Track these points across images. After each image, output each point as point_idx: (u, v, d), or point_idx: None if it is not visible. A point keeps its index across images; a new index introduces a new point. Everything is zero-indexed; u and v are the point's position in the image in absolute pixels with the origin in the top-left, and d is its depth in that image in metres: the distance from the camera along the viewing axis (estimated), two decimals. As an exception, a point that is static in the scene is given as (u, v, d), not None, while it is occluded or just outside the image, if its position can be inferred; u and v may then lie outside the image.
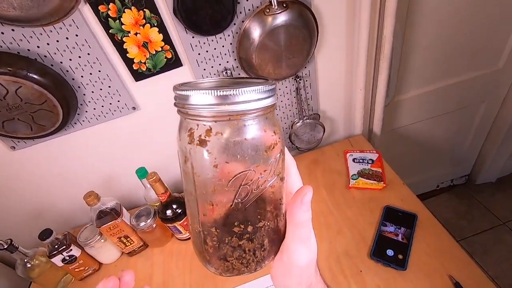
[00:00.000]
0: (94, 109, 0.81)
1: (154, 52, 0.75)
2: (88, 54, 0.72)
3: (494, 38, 1.09)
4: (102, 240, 0.77)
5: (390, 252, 0.67)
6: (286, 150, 0.25)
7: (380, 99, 0.98)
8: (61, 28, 0.67)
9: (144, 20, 0.70)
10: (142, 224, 0.75)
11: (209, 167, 0.21)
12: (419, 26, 0.97)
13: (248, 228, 0.23)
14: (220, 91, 0.19)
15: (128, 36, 0.71)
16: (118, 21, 0.69)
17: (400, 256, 0.66)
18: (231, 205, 0.22)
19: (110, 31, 0.70)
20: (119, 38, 0.71)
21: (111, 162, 0.93)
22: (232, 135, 0.20)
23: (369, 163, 0.89)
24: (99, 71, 0.75)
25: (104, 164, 0.93)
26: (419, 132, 1.35)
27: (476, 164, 1.63)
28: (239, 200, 0.22)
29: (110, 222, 0.72)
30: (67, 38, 0.68)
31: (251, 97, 0.19)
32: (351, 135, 1.12)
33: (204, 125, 0.20)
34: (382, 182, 0.82)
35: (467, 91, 1.24)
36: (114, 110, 0.82)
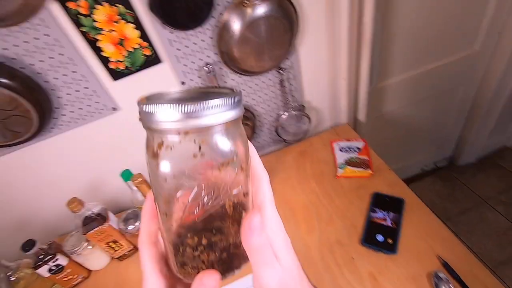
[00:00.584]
0: (72, 112, 0.77)
1: (132, 50, 0.72)
2: (61, 54, 0.68)
3: (469, 22, 1.11)
4: (90, 247, 0.75)
5: (380, 238, 0.69)
6: (258, 162, 0.25)
7: (363, 87, 0.99)
8: (28, 28, 0.63)
9: (118, 17, 0.67)
10: (130, 227, 0.73)
11: (160, 179, 0.21)
12: (398, 12, 0.98)
13: (203, 241, 0.22)
14: (172, 106, 0.18)
15: (102, 33, 0.68)
16: (90, 18, 0.65)
17: (390, 241, 0.68)
18: (182, 218, 0.22)
19: (82, 29, 0.67)
20: (92, 36, 0.68)
21: (94, 166, 0.90)
22: (183, 150, 0.20)
23: (355, 152, 0.90)
24: (74, 71, 0.71)
25: (87, 168, 0.90)
26: (402, 117, 1.38)
27: (458, 145, 1.68)
28: (190, 213, 0.21)
29: (97, 228, 0.69)
30: (36, 39, 0.65)
31: (201, 113, 0.19)
32: (337, 124, 1.12)
33: (158, 138, 0.20)
34: (369, 170, 0.83)
35: (446, 75, 1.27)
36: (94, 112, 0.79)
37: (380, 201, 0.75)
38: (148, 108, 0.19)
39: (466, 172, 1.72)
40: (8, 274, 0.68)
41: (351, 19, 0.83)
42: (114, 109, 0.81)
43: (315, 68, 0.94)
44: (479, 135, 1.56)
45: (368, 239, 0.69)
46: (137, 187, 0.66)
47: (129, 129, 0.87)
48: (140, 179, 0.66)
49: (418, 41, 1.10)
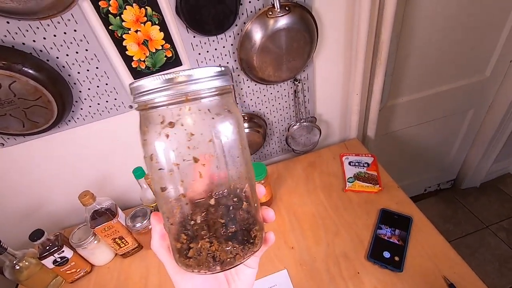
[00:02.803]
0: (90, 106, 0.79)
1: (154, 51, 0.74)
2: (86, 50, 0.70)
3: (481, 48, 1.13)
4: (96, 242, 0.75)
5: (386, 254, 0.69)
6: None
7: (375, 104, 1.00)
8: (59, 23, 0.65)
9: (145, 18, 0.69)
10: (138, 225, 0.73)
11: (169, 162, 0.23)
12: (413, 33, 1.00)
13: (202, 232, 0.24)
14: (169, 75, 0.22)
15: (128, 33, 0.70)
16: (118, 17, 0.67)
17: (397, 258, 0.68)
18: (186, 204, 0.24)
19: (110, 28, 0.68)
20: (119, 35, 0.70)
21: (106, 161, 0.91)
22: (178, 129, 0.23)
23: (364, 167, 0.91)
24: (97, 67, 0.73)
25: (99, 163, 0.91)
26: (409, 137, 1.39)
27: (462, 169, 1.69)
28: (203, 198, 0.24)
29: (105, 223, 0.70)
30: (64, 33, 0.66)
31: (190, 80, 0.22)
32: (346, 138, 1.13)
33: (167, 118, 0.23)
34: (378, 185, 0.84)
35: (456, 98, 1.28)
36: (111, 108, 0.81)
37: (387, 218, 0.76)
38: (151, 82, 0.22)
39: (469, 196, 1.72)
40: (14, 262, 0.69)
41: (369, 36, 0.85)
42: (131, 107, 0.82)
43: (329, 82, 0.95)
44: (484, 160, 1.57)
45: (375, 254, 0.69)
46: (149, 185, 0.67)
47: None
48: (153, 178, 0.66)
49: (430, 63, 1.12)
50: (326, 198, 0.84)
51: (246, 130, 0.90)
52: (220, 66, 0.25)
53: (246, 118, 0.91)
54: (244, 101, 0.91)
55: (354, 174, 0.88)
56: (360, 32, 0.82)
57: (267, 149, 1.06)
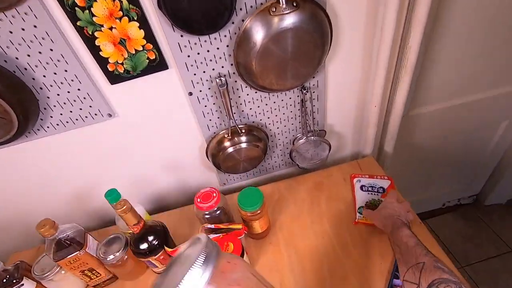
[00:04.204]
0: (61, 114, 0.68)
1: (134, 52, 0.62)
2: (51, 50, 0.58)
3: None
4: (63, 272, 0.65)
5: (403, 311, 0.56)
6: None
7: (395, 117, 0.86)
8: (14, 17, 0.53)
9: (121, 12, 0.57)
10: (110, 257, 0.63)
11: None
12: (445, 36, 0.85)
13: None
14: None
15: (101, 30, 0.58)
16: (87, 11, 0.55)
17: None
18: None
19: (78, 24, 0.57)
20: (90, 32, 0.58)
21: (84, 173, 0.81)
22: None
23: (379, 193, 0.77)
24: (66, 70, 0.62)
25: (76, 175, 0.81)
26: (431, 149, 1.24)
27: (487, 184, 1.52)
28: None
29: (71, 255, 0.60)
30: (23, 29, 0.55)
31: None
32: (360, 152, 1.00)
33: None
34: (395, 218, 0.70)
35: (489, 109, 1.12)
36: (86, 116, 0.70)
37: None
38: None
39: (493, 213, 1.56)
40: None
41: (395, 39, 0.70)
42: (110, 115, 0.71)
43: (343, 90, 0.81)
44: (514, 175, 1.40)
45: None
46: (120, 216, 0.56)
47: (126, 138, 0.77)
48: (124, 207, 0.55)
49: (463, 70, 0.96)
50: (333, 231, 0.72)
51: (244, 145, 0.78)
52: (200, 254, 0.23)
53: (243, 130, 0.78)
54: (243, 111, 0.78)
55: (366, 202, 0.75)
56: (384, 34, 0.68)
57: (269, 163, 0.94)
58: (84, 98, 0.66)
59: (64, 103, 0.66)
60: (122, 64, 0.63)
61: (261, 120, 0.82)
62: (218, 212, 0.67)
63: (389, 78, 0.79)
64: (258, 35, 0.61)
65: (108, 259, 0.62)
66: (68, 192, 0.83)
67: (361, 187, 0.79)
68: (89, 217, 0.89)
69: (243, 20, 0.61)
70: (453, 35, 0.85)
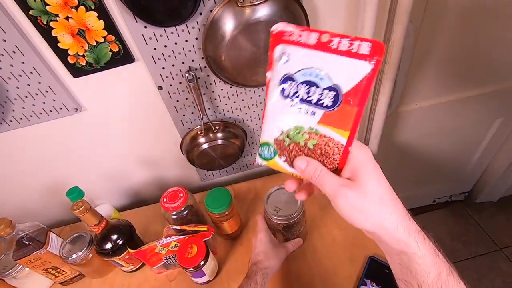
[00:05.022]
0: (23, 108, 0.65)
1: (95, 43, 0.58)
2: (4, 40, 0.55)
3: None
4: (27, 269, 0.64)
5: (368, 320, 0.55)
6: None
7: (379, 116, 0.82)
8: (-41, 5, 0.50)
9: (76, 1, 0.53)
10: (73, 256, 0.61)
11: None
12: (438, 27, 0.80)
13: None
14: None
15: (56, 20, 0.54)
16: (39, 0, 0.51)
17: (381, 327, 0.54)
18: None
19: (30, 13, 0.53)
20: (44, 22, 0.54)
21: (52, 168, 0.79)
22: None
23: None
24: (23, 62, 0.58)
25: (43, 171, 0.79)
26: (421, 147, 1.20)
27: (479, 181, 1.50)
28: None
29: (30, 255, 0.58)
30: (-31, 19, 0.51)
31: None
32: (343, 150, 0.97)
33: None
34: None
35: (484, 106, 1.08)
36: (50, 110, 0.67)
37: (375, 270, 0.61)
38: None
39: (483, 211, 1.54)
40: None
41: (377, 33, 0.66)
42: (76, 109, 0.68)
43: (324, 86, 0.77)
44: (508, 173, 1.37)
45: (354, 319, 0.55)
46: (78, 217, 0.54)
47: (95, 132, 0.74)
48: (82, 208, 0.53)
49: (457, 64, 0.91)
50: (308, 235, 0.70)
51: (219, 142, 0.75)
52: None
53: (217, 127, 0.75)
54: (218, 106, 0.75)
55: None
56: (364, 27, 0.63)
57: (249, 159, 0.91)
58: (46, 91, 0.63)
59: (26, 96, 0.63)
60: (83, 56, 0.60)
61: (238, 116, 0.79)
62: (185, 212, 0.64)
63: (372, 74, 0.75)
64: (227, 27, 0.57)
65: (70, 258, 0.61)
66: (38, 187, 0.81)
67: (283, 91, 0.33)
68: (62, 212, 0.88)
69: (211, 11, 0.57)
70: (444, 30, 0.80)
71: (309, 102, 0.31)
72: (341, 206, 0.30)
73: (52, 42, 0.57)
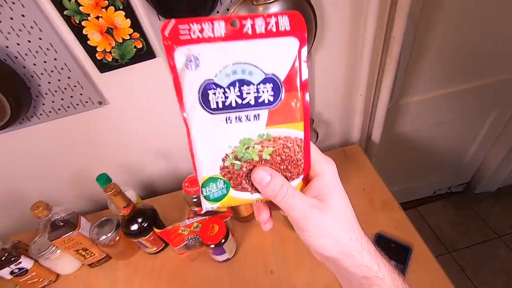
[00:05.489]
0: (53, 102, 0.70)
1: (121, 40, 0.64)
2: (40, 38, 0.60)
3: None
4: (59, 251, 0.69)
5: (377, 289, 0.60)
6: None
7: (382, 106, 0.87)
8: (1, 6, 0.55)
9: (106, 1, 0.58)
10: (103, 237, 0.66)
11: None
12: (434, 25, 0.85)
13: None
14: None
15: (88, 20, 0.59)
16: (74, 1, 0.57)
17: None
18: None
19: (65, 13, 0.58)
20: (77, 21, 0.59)
21: (76, 160, 0.84)
22: None
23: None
24: (55, 59, 0.63)
25: (69, 162, 0.83)
26: (421, 138, 1.26)
27: (478, 172, 1.55)
28: None
29: (64, 235, 0.63)
30: (11, 19, 0.56)
31: None
32: (348, 140, 1.02)
33: None
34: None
35: (479, 98, 1.13)
36: (77, 104, 0.72)
37: (383, 245, 0.66)
38: None
39: (482, 201, 1.59)
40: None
41: (379, 29, 0.71)
42: (100, 103, 0.73)
43: (329, 79, 0.83)
44: (505, 163, 1.42)
45: (363, 288, 0.60)
46: (110, 198, 0.59)
47: (117, 126, 0.79)
48: (113, 190, 0.58)
49: (453, 59, 0.96)
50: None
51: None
52: None
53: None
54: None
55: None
56: (367, 24, 0.69)
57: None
58: (75, 86, 0.68)
59: (56, 91, 0.68)
60: (110, 52, 0.65)
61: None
62: (205, 196, 0.69)
63: (375, 67, 0.80)
64: (243, 24, 0.62)
65: (100, 239, 0.66)
66: (61, 177, 0.86)
67: (207, 105, 0.27)
68: (83, 201, 0.93)
69: (228, 10, 0.62)
70: (442, 24, 0.85)
71: (247, 105, 0.25)
72: (310, 231, 0.26)
73: (83, 39, 0.62)
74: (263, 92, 0.25)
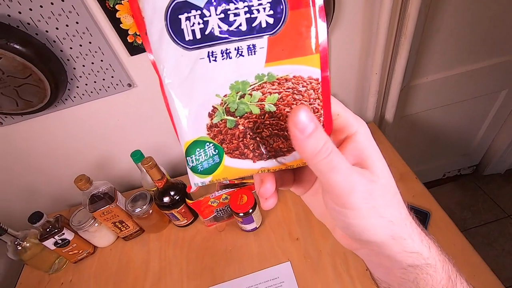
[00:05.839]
0: (86, 84, 0.74)
1: (151, 23, 0.67)
2: (77, 23, 0.64)
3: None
4: (96, 224, 0.74)
5: (398, 251, 0.64)
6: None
7: (396, 84, 0.90)
8: (44, -9, 0.59)
9: (139, -14, 0.61)
10: (137, 210, 0.71)
11: None
12: (445, 5, 0.88)
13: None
14: None
15: (121, 3, 0.63)
16: (109, -15, 0.60)
17: (409, 256, 0.62)
18: None
19: (100, -3, 0.62)
20: (111, 5, 0.63)
21: (106, 141, 0.88)
22: None
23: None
24: (90, 42, 0.67)
25: (99, 143, 0.88)
26: (431, 119, 1.28)
27: (487, 154, 1.57)
28: None
29: (104, 207, 0.68)
30: (52, 4, 0.60)
31: None
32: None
33: None
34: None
35: (488, 78, 1.15)
36: (108, 87, 0.76)
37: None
38: None
39: (491, 183, 1.62)
40: (15, 243, 0.68)
41: (393, 8, 0.74)
42: (130, 85, 0.77)
43: (345, 59, 0.86)
44: (514, 145, 1.45)
45: (385, 251, 0.64)
46: (146, 170, 0.63)
47: (144, 108, 0.83)
48: (150, 163, 0.63)
49: (463, 39, 0.99)
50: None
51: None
52: None
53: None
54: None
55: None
56: (383, 2, 0.71)
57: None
58: (107, 69, 0.72)
59: (89, 74, 0.72)
60: (140, 35, 0.69)
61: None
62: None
63: (390, 45, 0.83)
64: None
65: (135, 211, 0.70)
66: (92, 158, 0.90)
67: (179, 36, 0.18)
68: (112, 181, 0.97)
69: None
70: (453, 4, 0.88)
71: (236, 33, 0.17)
72: (358, 209, 0.19)
73: (116, 23, 0.66)
74: (257, 10, 0.17)
